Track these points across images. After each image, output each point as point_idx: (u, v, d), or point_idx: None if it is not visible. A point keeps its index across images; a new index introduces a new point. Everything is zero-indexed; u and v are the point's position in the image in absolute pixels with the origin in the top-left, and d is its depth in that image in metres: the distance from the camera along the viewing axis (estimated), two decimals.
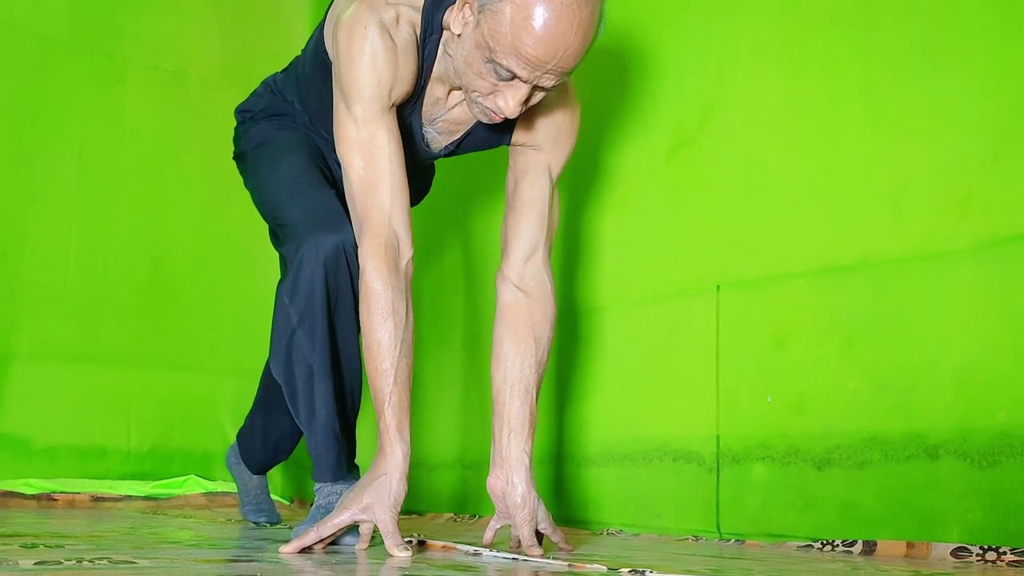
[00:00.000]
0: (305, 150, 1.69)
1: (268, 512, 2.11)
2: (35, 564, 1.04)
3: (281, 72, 1.82)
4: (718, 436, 1.86)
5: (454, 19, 1.37)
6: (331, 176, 1.69)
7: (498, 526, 1.52)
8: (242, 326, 3.02)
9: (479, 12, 1.31)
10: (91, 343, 2.87)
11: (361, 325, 1.40)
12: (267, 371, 2.02)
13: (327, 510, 1.46)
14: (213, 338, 3.07)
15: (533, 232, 1.54)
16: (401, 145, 1.43)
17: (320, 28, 1.59)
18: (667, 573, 1.12)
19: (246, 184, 1.78)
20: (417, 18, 1.44)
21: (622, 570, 1.16)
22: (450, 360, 2.58)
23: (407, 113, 1.53)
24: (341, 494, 1.45)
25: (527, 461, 1.47)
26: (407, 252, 1.41)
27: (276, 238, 1.70)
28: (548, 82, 1.32)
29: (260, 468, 2.11)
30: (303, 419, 1.53)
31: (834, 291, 1.71)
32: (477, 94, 1.38)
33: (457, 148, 1.63)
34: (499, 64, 1.30)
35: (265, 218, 1.71)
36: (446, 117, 1.56)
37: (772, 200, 1.83)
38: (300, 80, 1.71)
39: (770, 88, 1.87)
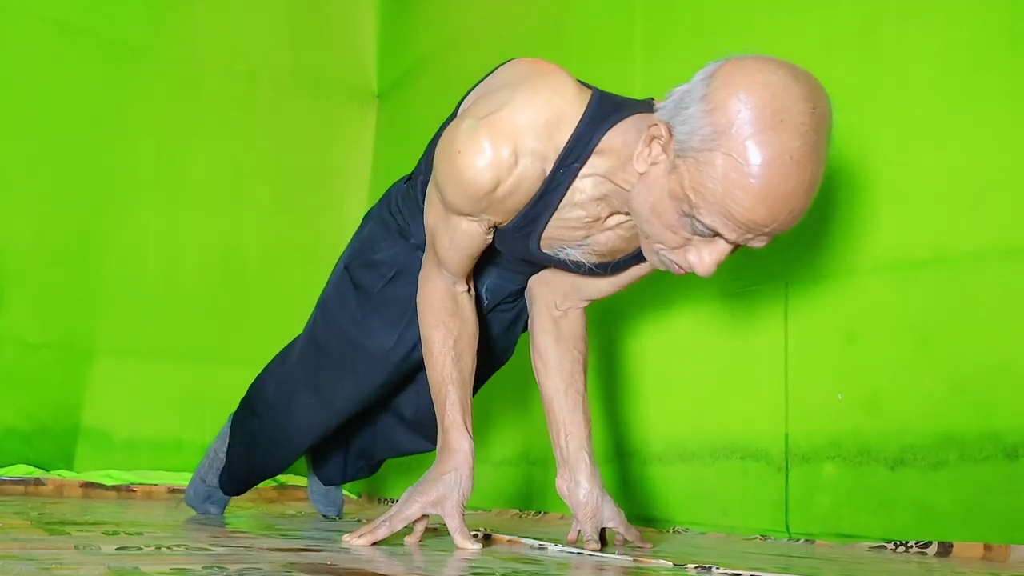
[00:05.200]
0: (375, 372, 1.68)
1: (338, 505, 2.15)
2: (116, 549, 1.08)
3: (405, 181, 1.65)
4: (787, 434, 1.83)
5: (639, 155, 1.16)
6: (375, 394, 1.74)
7: (579, 526, 1.52)
8: None
9: (677, 156, 1.11)
10: (168, 339, 2.96)
11: (420, 329, 1.46)
12: None
13: None
14: (283, 334, 3.12)
15: (561, 282, 1.55)
16: (483, 242, 1.36)
17: (436, 142, 1.39)
18: (734, 570, 1.11)
19: (326, 290, 1.76)
20: (545, 151, 1.22)
21: (688, 566, 1.16)
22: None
23: (516, 234, 1.34)
24: None
25: (586, 459, 1.50)
26: (463, 286, 1.46)
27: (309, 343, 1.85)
28: (758, 244, 1.11)
29: (341, 479, 2.08)
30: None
31: (908, 287, 1.67)
32: (662, 247, 1.18)
33: (612, 269, 1.42)
34: (700, 221, 1.10)
35: (311, 331, 1.84)
36: (594, 241, 1.34)
37: (843, 194, 1.80)
38: (421, 201, 1.51)
39: (841, 80, 1.82)
